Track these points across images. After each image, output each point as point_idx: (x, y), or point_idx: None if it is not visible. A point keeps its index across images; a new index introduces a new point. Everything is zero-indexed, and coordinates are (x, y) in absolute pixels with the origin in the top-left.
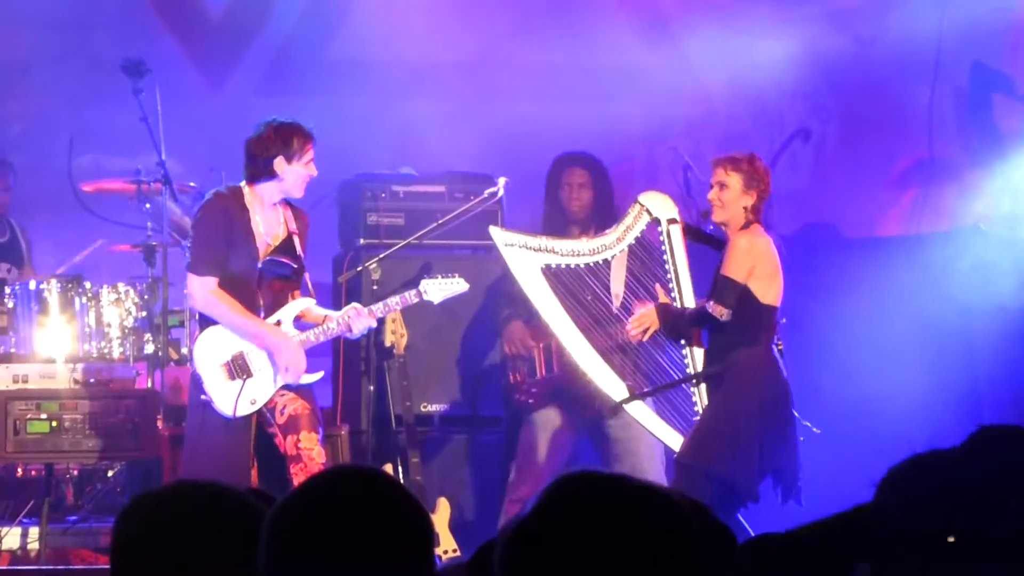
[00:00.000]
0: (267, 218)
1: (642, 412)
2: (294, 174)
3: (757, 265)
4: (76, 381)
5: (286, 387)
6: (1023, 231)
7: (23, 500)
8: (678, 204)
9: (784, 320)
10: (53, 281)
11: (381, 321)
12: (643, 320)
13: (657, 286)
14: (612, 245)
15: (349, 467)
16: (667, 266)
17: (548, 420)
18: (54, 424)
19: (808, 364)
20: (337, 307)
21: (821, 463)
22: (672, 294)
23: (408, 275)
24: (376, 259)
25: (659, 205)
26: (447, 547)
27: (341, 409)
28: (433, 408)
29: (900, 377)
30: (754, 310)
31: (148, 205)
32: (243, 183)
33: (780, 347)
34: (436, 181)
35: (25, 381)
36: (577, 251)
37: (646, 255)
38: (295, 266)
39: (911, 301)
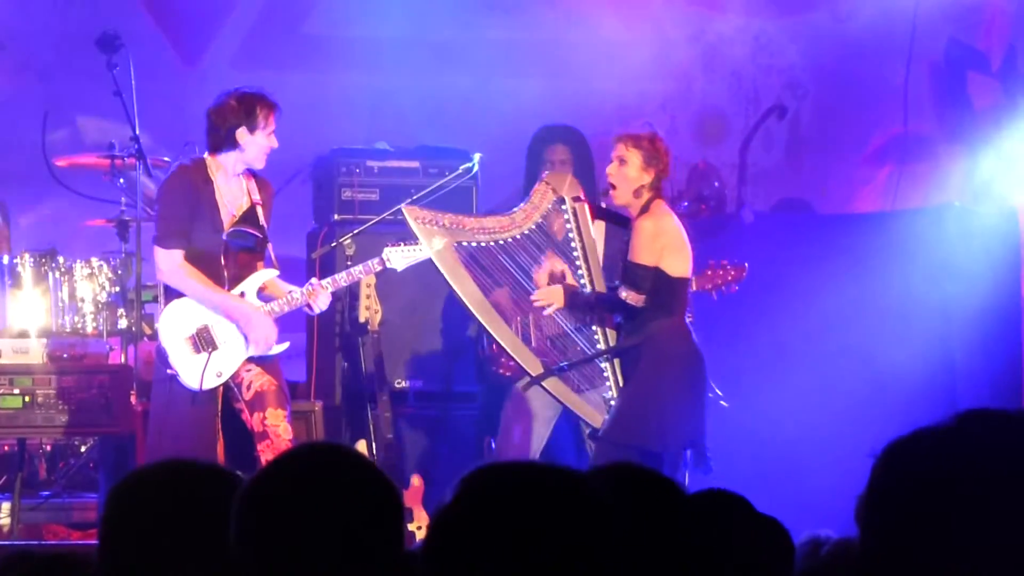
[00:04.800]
0: (231, 189)
1: (559, 388)
2: (256, 145)
3: (665, 244)
4: (49, 356)
5: (253, 361)
6: (998, 207)
7: None
8: None
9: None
10: (26, 255)
11: (355, 296)
12: (548, 296)
13: (550, 260)
14: (521, 223)
15: (318, 444)
16: (573, 243)
17: (527, 396)
18: (27, 399)
19: (782, 341)
20: None
21: (791, 440)
22: (579, 272)
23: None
24: (350, 235)
25: (564, 184)
26: (420, 523)
27: (315, 385)
28: (407, 384)
29: (875, 353)
30: (666, 284)
31: (122, 180)
32: (206, 154)
33: (690, 318)
34: (411, 156)
35: None
36: (486, 228)
37: (557, 237)
38: (258, 236)
39: (886, 277)
